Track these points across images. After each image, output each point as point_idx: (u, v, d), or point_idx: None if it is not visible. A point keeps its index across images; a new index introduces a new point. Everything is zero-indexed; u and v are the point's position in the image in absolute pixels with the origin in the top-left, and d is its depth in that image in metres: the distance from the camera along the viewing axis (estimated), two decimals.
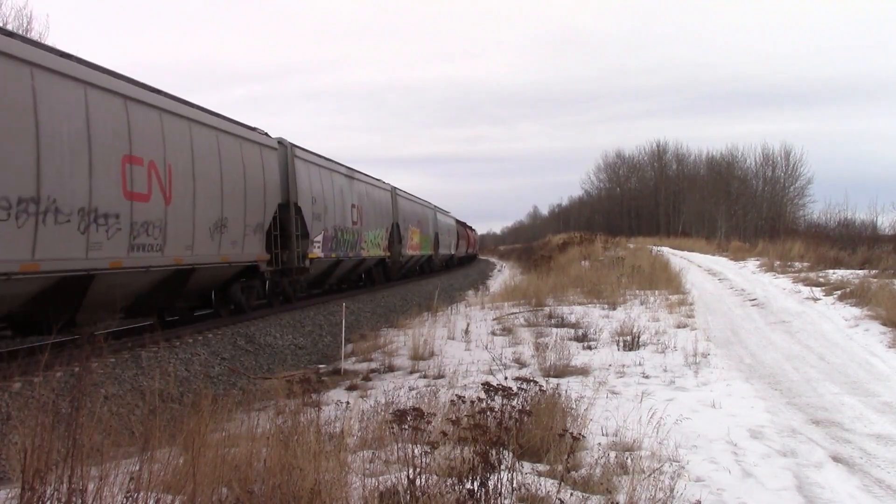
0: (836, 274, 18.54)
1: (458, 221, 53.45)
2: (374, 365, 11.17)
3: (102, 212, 9.35)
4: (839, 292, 15.33)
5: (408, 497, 3.93)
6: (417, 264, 35.34)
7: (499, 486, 4.11)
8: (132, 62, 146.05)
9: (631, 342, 11.20)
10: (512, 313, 16.16)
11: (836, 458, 5.89)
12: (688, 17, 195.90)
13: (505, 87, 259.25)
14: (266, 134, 15.89)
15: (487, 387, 5.10)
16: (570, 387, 7.64)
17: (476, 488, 3.95)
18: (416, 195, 35.32)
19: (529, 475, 4.81)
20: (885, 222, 27.64)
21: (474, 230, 74.15)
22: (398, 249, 28.15)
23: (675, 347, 10.81)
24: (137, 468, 3.78)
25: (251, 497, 3.93)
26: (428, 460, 4.16)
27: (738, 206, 61.05)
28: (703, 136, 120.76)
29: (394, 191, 28.83)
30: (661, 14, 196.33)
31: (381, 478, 4.50)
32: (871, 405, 7.62)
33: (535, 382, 5.83)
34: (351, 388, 9.46)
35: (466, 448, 4.21)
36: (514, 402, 5.05)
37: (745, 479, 5.36)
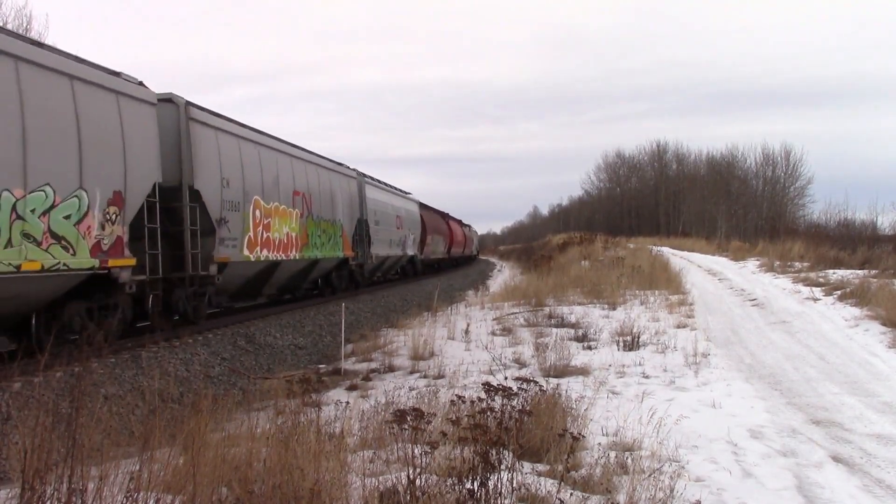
0: (836, 274, 18.55)
1: (424, 207, 36.19)
2: (374, 365, 11.17)
3: None
4: (839, 292, 15.34)
5: (408, 497, 3.93)
6: (297, 281, 18.18)
7: (499, 486, 4.11)
8: (132, 62, 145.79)
9: (631, 342, 11.20)
10: (512, 313, 16.16)
11: (837, 458, 5.89)
12: (688, 17, 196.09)
13: (505, 87, 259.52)
14: None
15: (487, 387, 5.10)
16: (570, 387, 7.65)
17: (476, 488, 3.95)
18: (308, 148, 18.55)
19: (529, 475, 4.81)
20: (885, 222, 27.74)
21: (469, 226, 62.73)
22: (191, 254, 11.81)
23: (675, 347, 10.81)
24: (137, 468, 3.78)
25: (251, 497, 3.93)
26: (428, 460, 4.16)
27: (738, 206, 61.06)
28: (703, 136, 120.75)
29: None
30: (661, 14, 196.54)
31: (381, 478, 4.50)
32: (871, 405, 7.62)
33: (536, 382, 5.83)
34: (351, 388, 9.46)
35: (466, 448, 4.21)
36: (515, 402, 5.05)
37: (745, 479, 5.37)
